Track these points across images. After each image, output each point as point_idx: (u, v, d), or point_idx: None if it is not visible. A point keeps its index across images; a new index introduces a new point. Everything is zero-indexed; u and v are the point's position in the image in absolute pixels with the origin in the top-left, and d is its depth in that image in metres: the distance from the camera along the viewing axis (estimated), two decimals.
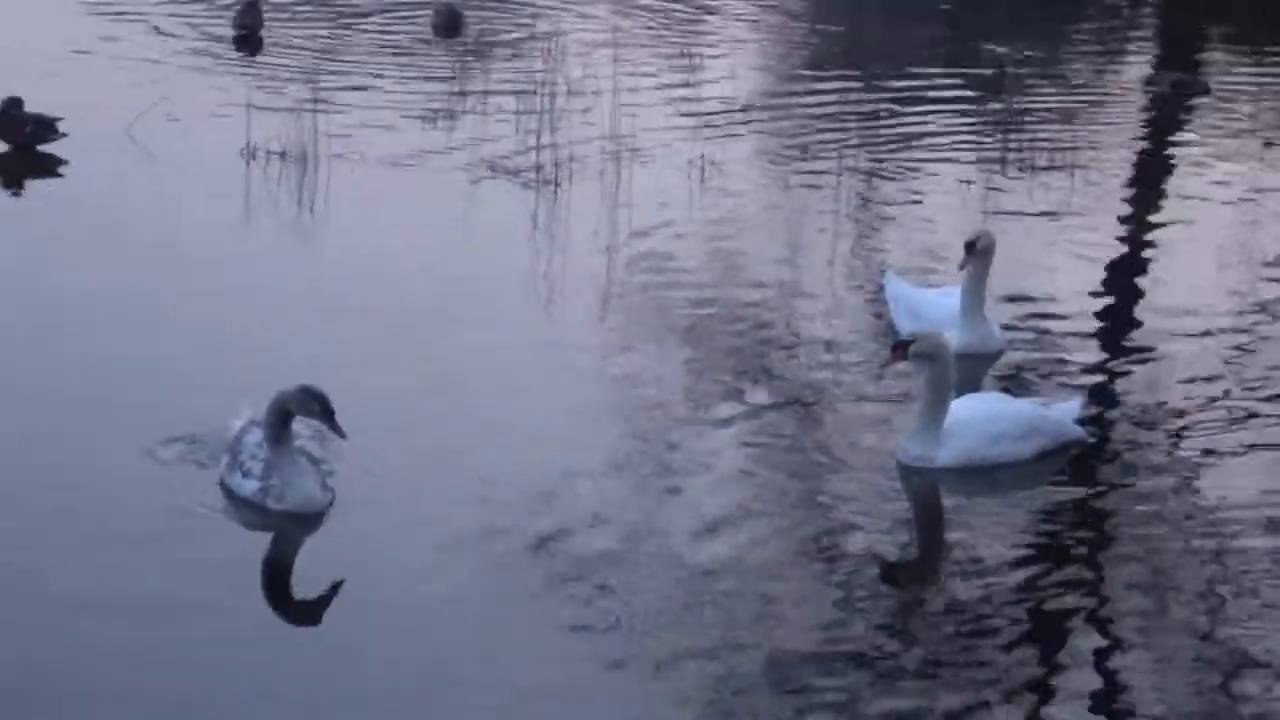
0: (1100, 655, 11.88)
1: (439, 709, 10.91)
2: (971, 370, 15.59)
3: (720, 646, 11.47)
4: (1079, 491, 13.83)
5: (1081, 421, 14.33)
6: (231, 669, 11.05)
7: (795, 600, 12.11)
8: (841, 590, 12.17)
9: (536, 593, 11.93)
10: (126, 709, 10.63)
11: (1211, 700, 11.31)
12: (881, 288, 16.69)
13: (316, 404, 12.21)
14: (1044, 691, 11.38)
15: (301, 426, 12.53)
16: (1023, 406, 14.28)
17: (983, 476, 13.84)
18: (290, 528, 12.45)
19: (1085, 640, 11.99)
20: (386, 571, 12.05)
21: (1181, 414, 15.20)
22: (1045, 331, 16.75)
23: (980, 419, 13.93)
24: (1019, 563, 12.74)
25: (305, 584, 12.05)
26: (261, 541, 12.47)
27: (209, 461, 12.96)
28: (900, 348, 13.77)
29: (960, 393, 14.29)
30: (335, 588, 11.72)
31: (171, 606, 11.44)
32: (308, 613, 11.74)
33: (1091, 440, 14.27)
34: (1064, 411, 14.27)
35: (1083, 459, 14.27)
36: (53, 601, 11.62)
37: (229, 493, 12.61)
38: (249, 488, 12.44)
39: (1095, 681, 11.53)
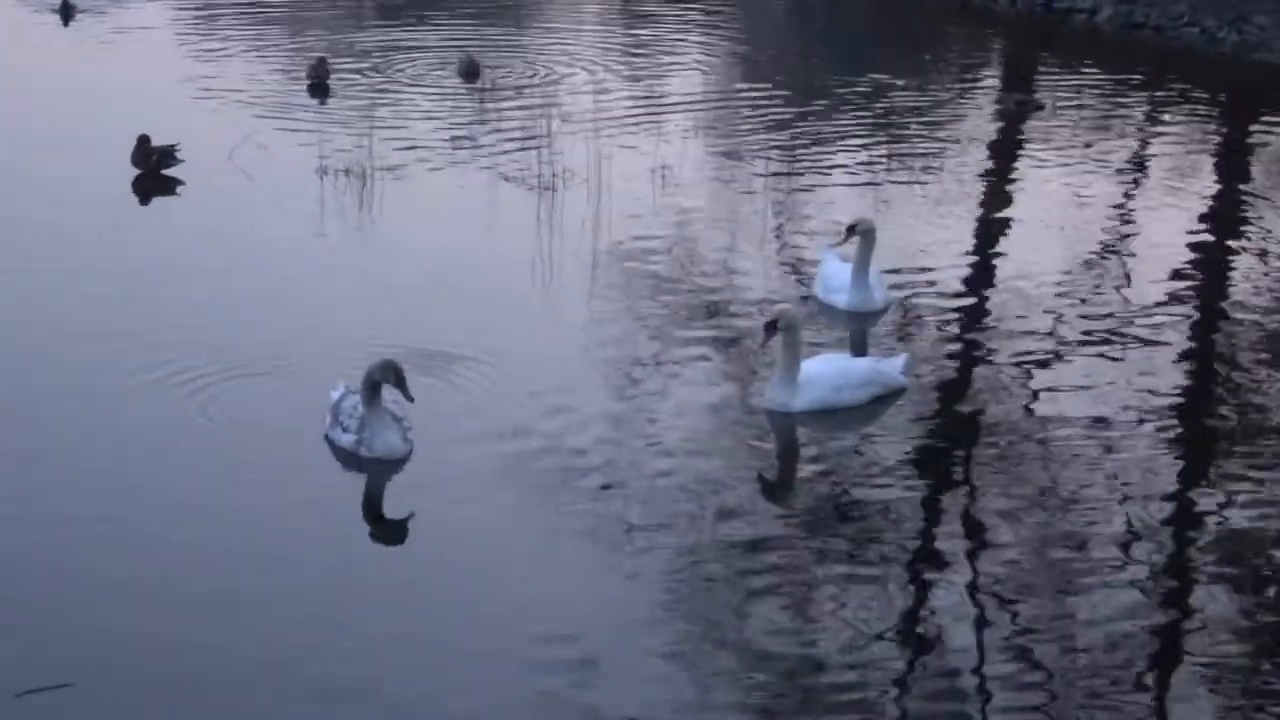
0: (955, 538, 12.03)
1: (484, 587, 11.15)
2: (857, 324, 15.79)
3: (675, 528, 11.75)
4: (902, 422, 13.81)
5: (906, 372, 14.23)
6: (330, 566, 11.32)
7: (709, 492, 12.44)
8: (739, 494, 12.40)
9: (551, 491, 12.24)
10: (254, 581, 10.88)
11: (1060, 575, 11.47)
12: (819, 260, 16.64)
13: (393, 374, 12.32)
14: (918, 574, 11.51)
15: (388, 392, 12.55)
16: (860, 363, 14.19)
17: (831, 417, 13.72)
18: (379, 470, 12.51)
19: (941, 528, 12.14)
20: (447, 500, 12.21)
21: (1019, 356, 15.34)
22: (918, 293, 16.76)
23: (828, 373, 13.82)
24: (869, 475, 12.87)
25: (390, 507, 12.26)
26: (358, 480, 12.54)
27: (316, 422, 13.01)
28: (770, 326, 13.60)
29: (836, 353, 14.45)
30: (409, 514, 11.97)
31: (291, 527, 11.71)
32: (391, 530, 11.93)
33: (906, 386, 14.15)
34: (893, 365, 14.18)
35: (917, 396, 14.31)
36: (194, 511, 11.82)
37: (331, 444, 12.67)
38: (346, 440, 12.51)
39: (960, 561, 11.62)
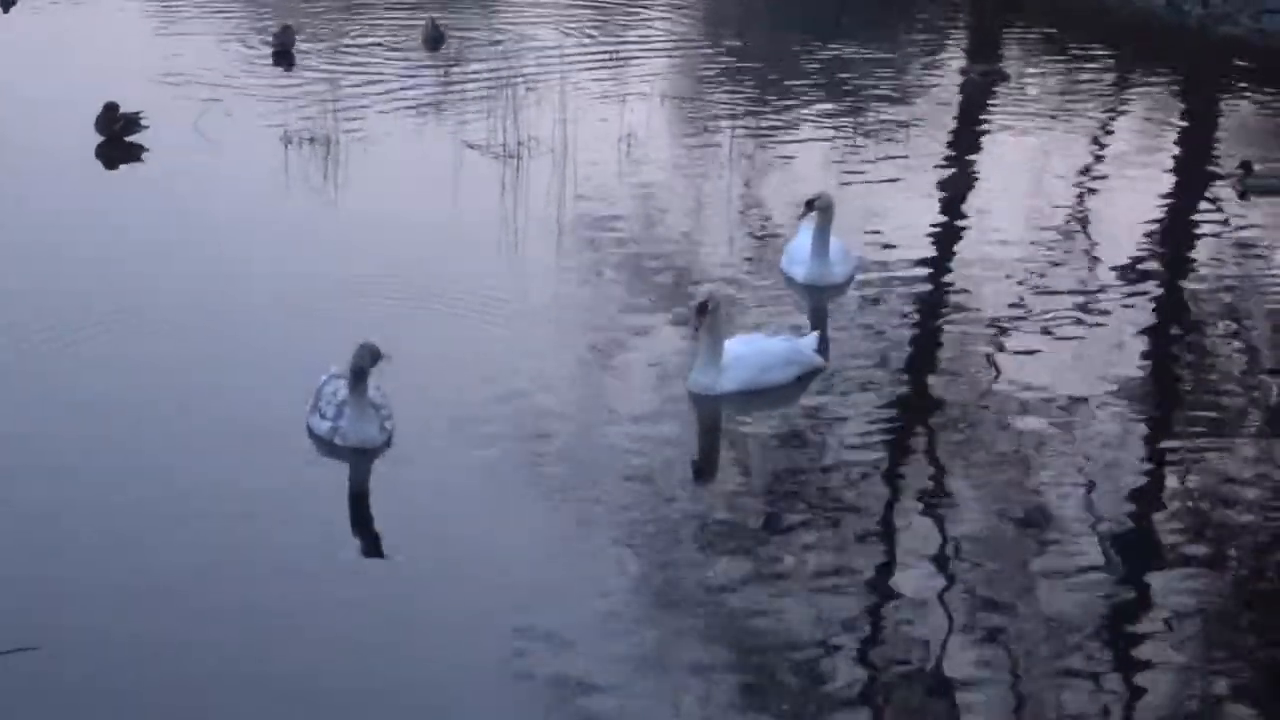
0: (917, 512, 12.08)
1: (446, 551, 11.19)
2: (815, 297, 15.82)
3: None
4: (863, 397, 13.78)
5: (819, 350, 14.17)
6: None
7: (665, 473, 12.56)
8: (673, 478, 12.35)
9: (514, 476, 12.24)
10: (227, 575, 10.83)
11: (1020, 548, 11.57)
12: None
13: (368, 354, 12.14)
14: (885, 550, 11.59)
15: (372, 380, 12.37)
16: (779, 343, 13.99)
17: (755, 396, 13.62)
18: (354, 456, 12.32)
19: (903, 504, 12.18)
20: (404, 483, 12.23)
21: (982, 328, 15.44)
22: (880, 264, 16.73)
23: (751, 354, 13.68)
24: (831, 453, 12.89)
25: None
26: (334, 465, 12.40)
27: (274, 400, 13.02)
28: (701, 309, 13.39)
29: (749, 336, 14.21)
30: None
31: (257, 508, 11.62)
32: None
33: (825, 365, 14.08)
34: (807, 344, 14.11)
35: (877, 369, 14.38)
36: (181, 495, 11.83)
37: (309, 430, 12.55)
38: (323, 427, 12.39)
39: (925, 534, 11.69)
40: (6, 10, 26.78)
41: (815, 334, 14.35)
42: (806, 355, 14.00)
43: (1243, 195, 19.43)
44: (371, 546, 11.35)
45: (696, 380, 13.53)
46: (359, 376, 12.18)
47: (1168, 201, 19.57)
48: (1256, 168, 19.58)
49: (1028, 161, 20.95)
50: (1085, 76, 25.65)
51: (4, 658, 9.73)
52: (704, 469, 12.63)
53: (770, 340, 14.04)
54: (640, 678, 9.91)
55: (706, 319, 13.34)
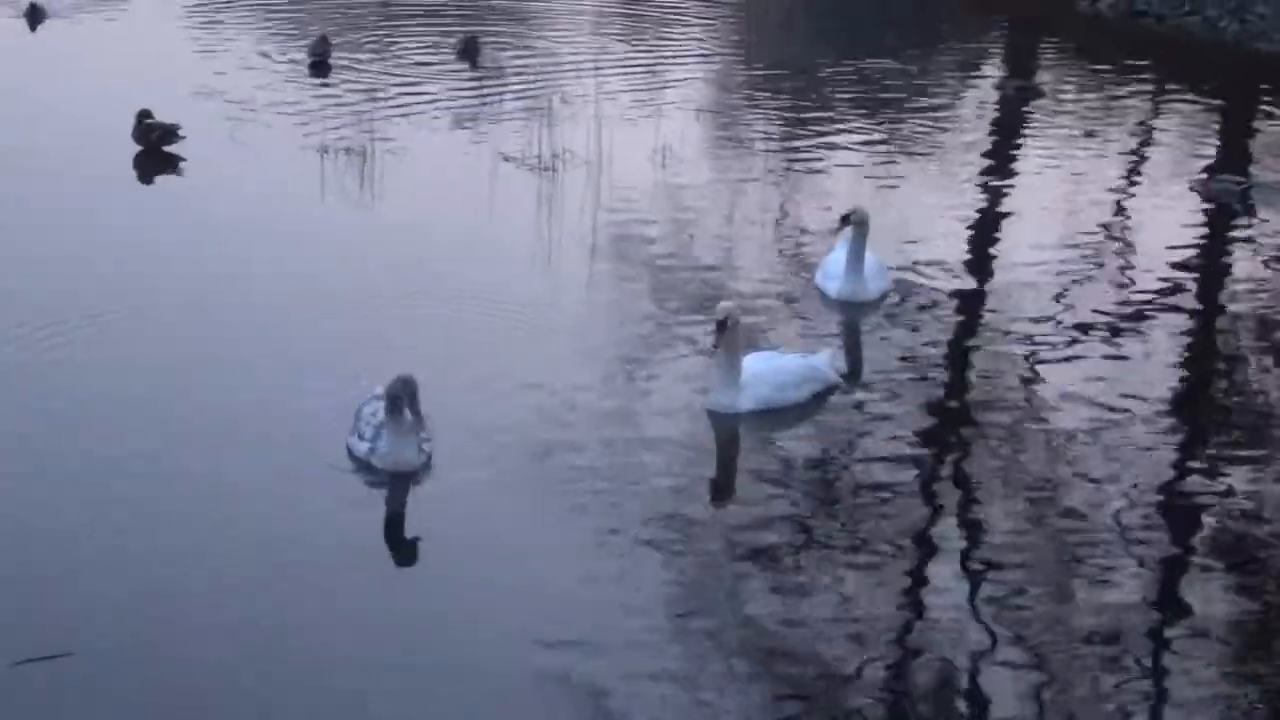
0: (951, 526, 12.07)
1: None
2: (850, 312, 15.78)
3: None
4: (896, 411, 13.73)
5: (833, 368, 14.08)
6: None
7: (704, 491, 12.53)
8: (702, 494, 12.43)
9: (547, 492, 12.26)
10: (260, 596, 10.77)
11: (1056, 563, 11.53)
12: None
13: (402, 385, 12.02)
14: (917, 563, 11.54)
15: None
16: (795, 360, 13.87)
17: (774, 415, 13.50)
18: (392, 479, 12.21)
19: (936, 518, 12.13)
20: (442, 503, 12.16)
21: (1016, 344, 15.39)
22: (915, 280, 16.66)
23: (768, 373, 13.56)
24: (862, 466, 12.82)
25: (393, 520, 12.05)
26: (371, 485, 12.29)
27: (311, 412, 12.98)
28: (721, 326, 13.22)
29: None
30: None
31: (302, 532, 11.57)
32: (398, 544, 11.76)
33: (841, 383, 13.99)
34: (821, 361, 13.98)
35: (912, 385, 14.37)
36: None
37: (348, 450, 12.42)
38: (361, 448, 12.28)
39: (956, 549, 11.65)
40: (34, 28, 26.66)
41: (829, 351, 14.25)
42: (823, 373, 13.89)
43: (1214, 200, 19.87)
44: (403, 560, 11.37)
45: (717, 399, 13.42)
46: (395, 405, 12.11)
47: (1202, 216, 19.51)
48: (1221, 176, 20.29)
49: (1063, 177, 20.88)
50: (1121, 92, 25.59)
51: (39, 663, 9.77)
52: (729, 486, 12.58)
53: (786, 358, 13.93)
54: (670, 690, 9.90)
55: (726, 336, 13.25)
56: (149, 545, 11.16)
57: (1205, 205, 19.67)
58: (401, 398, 12.06)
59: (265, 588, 10.76)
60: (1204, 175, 20.29)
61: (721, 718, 9.71)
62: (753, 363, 13.61)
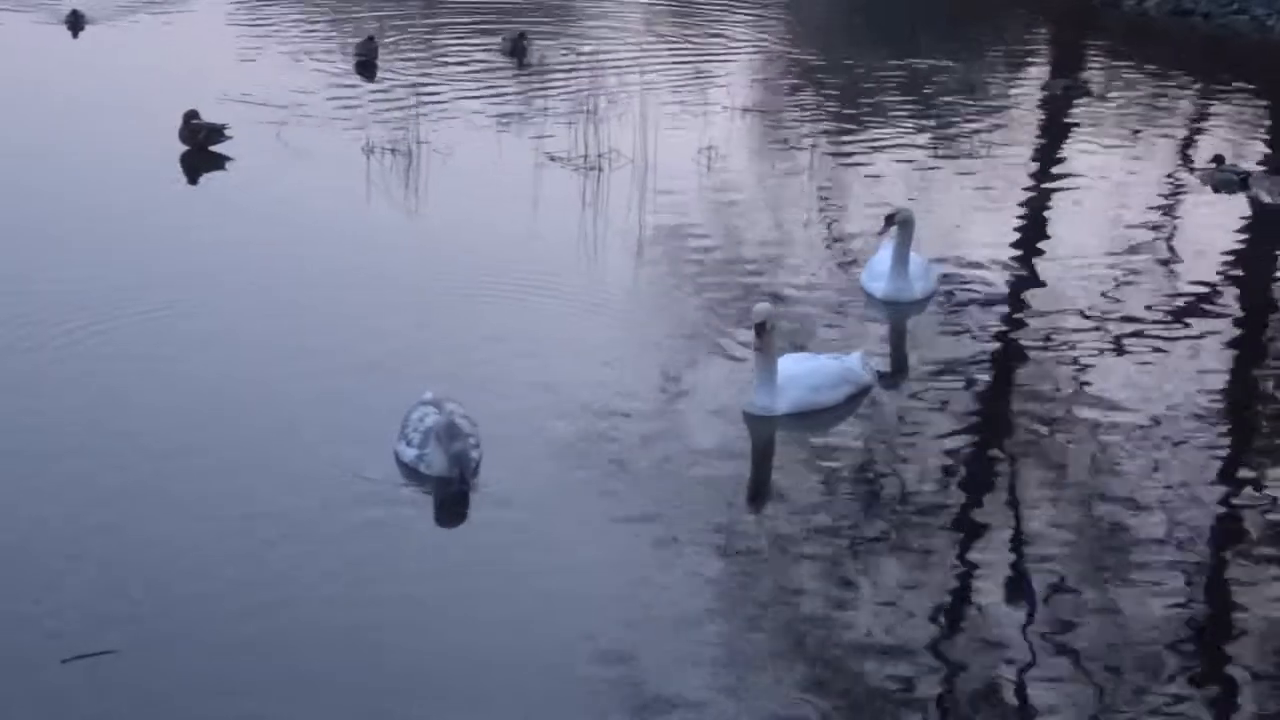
0: (996, 528, 11.96)
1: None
2: (894, 312, 15.72)
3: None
4: (943, 413, 13.64)
5: (865, 369, 13.96)
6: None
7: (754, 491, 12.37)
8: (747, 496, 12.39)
9: (592, 492, 12.19)
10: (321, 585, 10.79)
11: (1101, 566, 11.44)
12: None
13: (448, 423, 11.99)
14: (962, 564, 11.49)
15: (456, 404, 12.31)
16: (830, 362, 13.80)
17: (813, 417, 13.39)
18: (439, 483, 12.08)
19: (983, 519, 12.03)
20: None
21: (1062, 345, 15.33)
22: (960, 280, 16.62)
23: (805, 374, 13.49)
24: (906, 469, 12.72)
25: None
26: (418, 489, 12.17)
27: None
28: (760, 330, 13.13)
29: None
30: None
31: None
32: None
33: (875, 383, 13.91)
34: (855, 362, 13.89)
35: (958, 387, 14.30)
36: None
37: (396, 456, 12.33)
38: (409, 454, 12.21)
39: (1002, 549, 11.58)
40: (75, 35, 26.76)
41: (861, 352, 14.12)
42: (857, 373, 13.82)
43: (1217, 189, 20.17)
44: (444, 560, 11.34)
45: (754, 401, 13.34)
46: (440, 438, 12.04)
47: (1249, 217, 19.42)
48: (1227, 162, 20.61)
49: (1108, 176, 20.81)
50: (1166, 90, 25.51)
51: (86, 660, 9.81)
52: (774, 489, 12.47)
53: (821, 359, 13.86)
54: (715, 690, 9.85)
55: (766, 338, 13.22)
56: (198, 543, 11.16)
57: (1246, 203, 19.62)
58: (443, 437, 11.99)
59: (311, 589, 10.73)
60: (1211, 165, 20.47)
61: (756, 713, 9.69)
62: (788, 364, 13.55)
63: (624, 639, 10.29)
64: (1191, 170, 21.18)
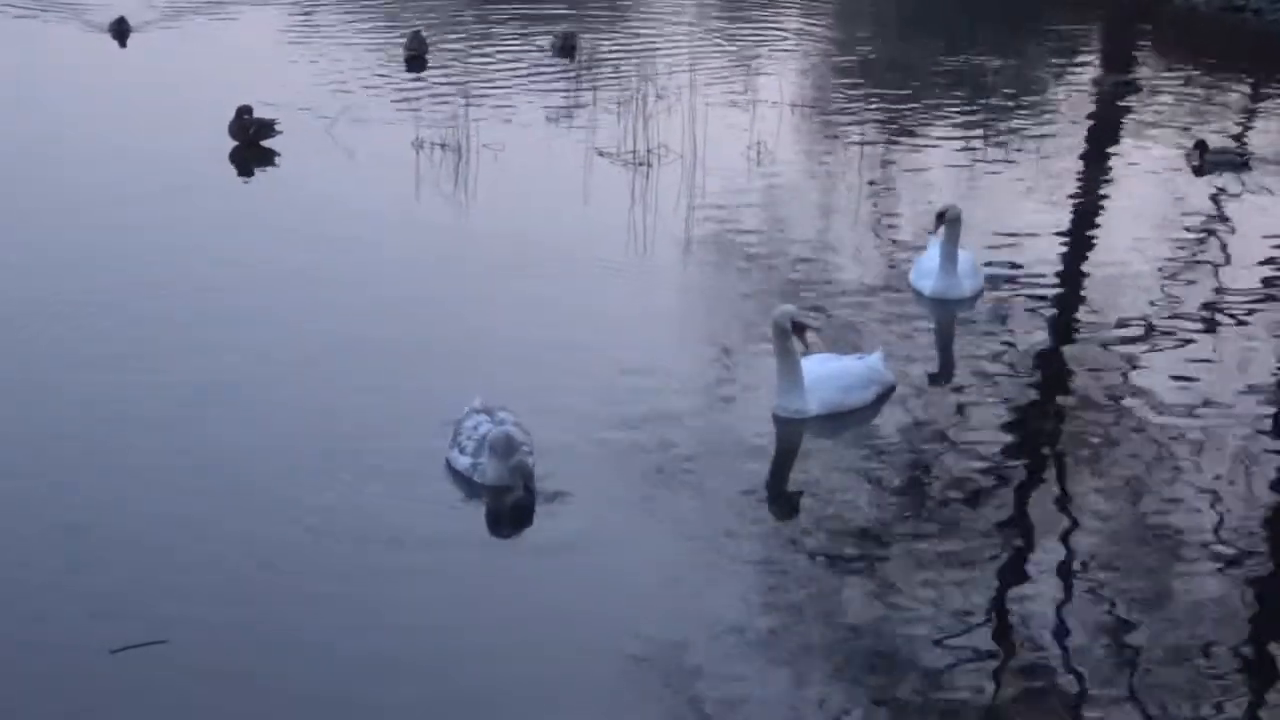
0: (1046, 524, 11.89)
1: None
2: (943, 310, 15.68)
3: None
4: (994, 409, 13.59)
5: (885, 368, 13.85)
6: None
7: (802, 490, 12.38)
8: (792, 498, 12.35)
9: (650, 494, 12.14)
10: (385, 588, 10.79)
11: (1151, 563, 11.40)
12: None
13: (520, 473, 11.89)
14: (1012, 561, 11.40)
15: (509, 414, 12.25)
16: (855, 362, 13.71)
17: (844, 418, 13.32)
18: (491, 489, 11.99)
19: (1031, 516, 11.96)
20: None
21: (1111, 343, 15.26)
22: (1013, 275, 16.59)
23: (832, 375, 13.40)
24: (959, 465, 12.66)
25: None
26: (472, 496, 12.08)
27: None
28: (799, 331, 13.04)
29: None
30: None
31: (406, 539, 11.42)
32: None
33: (895, 384, 13.80)
34: (877, 361, 13.78)
35: (1012, 384, 14.24)
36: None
37: (448, 464, 12.26)
38: (463, 463, 12.13)
39: (1052, 546, 11.49)
40: (123, 43, 26.77)
41: (879, 353, 13.97)
42: (881, 373, 13.74)
43: (1199, 171, 20.41)
44: (495, 562, 11.34)
45: (784, 404, 13.23)
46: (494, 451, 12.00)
47: None
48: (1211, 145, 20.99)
49: (1159, 173, 20.72)
50: (1218, 87, 25.39)
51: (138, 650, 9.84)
52: (816, 488, 12.37)
53: (845, 360, 13.76)
54: (752, 686, 9.85)
55: (806, 338, 13.12)
56: (254, 535, 11.17)
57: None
58: (500, 449, 11.92)
59: (365, 585, 10.75)
60: (1196, 149, 20.72)
61: (805, 714, 9.68)
62: (813, 365, 13.45)
63: (661, 634, 10.28)
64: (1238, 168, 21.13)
